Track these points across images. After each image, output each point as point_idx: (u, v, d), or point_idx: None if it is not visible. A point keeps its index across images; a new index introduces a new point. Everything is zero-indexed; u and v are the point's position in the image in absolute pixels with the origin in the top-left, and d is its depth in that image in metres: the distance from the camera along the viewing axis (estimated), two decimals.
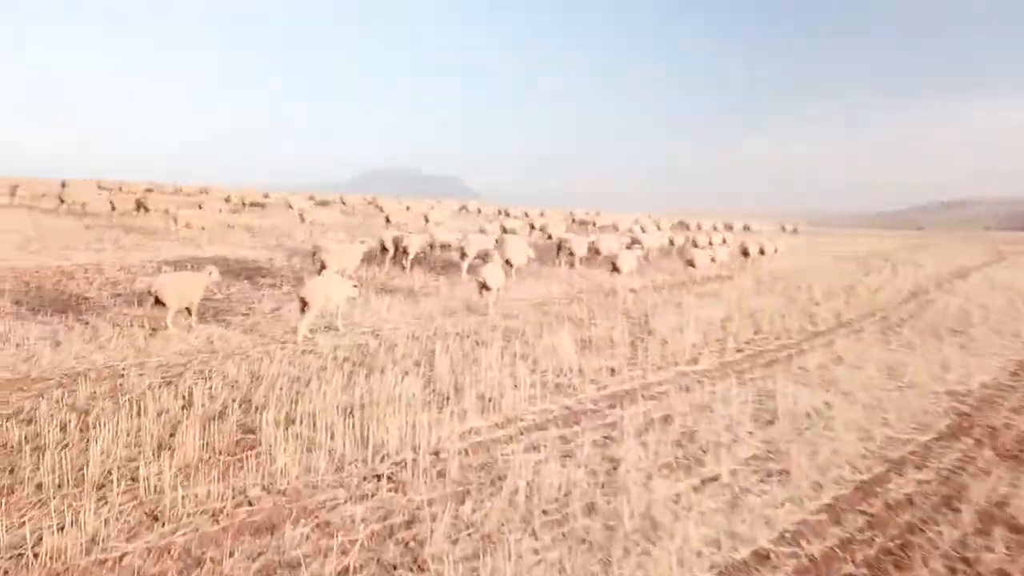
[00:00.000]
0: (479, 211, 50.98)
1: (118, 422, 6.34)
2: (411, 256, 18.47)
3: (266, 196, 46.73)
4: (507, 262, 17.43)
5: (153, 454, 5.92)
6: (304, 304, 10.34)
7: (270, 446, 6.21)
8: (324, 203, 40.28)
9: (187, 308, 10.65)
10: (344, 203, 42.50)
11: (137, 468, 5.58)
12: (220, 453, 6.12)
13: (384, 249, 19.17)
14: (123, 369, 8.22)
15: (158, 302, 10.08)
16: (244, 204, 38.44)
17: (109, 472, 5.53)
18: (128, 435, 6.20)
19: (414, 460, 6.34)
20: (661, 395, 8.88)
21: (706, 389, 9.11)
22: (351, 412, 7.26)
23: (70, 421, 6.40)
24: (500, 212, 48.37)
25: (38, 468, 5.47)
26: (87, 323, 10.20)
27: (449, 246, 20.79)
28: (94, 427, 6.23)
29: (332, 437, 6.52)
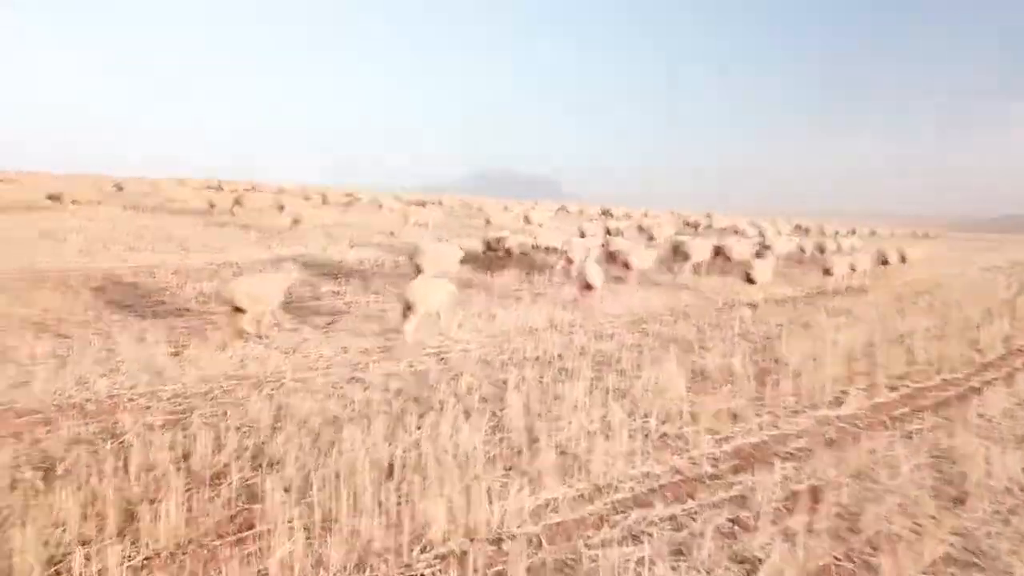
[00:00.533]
0: (580, 212, 48.84)
1: (82, 484, 4.80)
2: (513, 256, 17.95)
3: (347, 195, 46.34)
4: (625, 265, 16.09)
5: (112, 535, 4.32)
6: (408, 307, 9.65)
7: (273, 525, 4.51)
8: (421, 203, 39.48)
9: (265, 313, 9.68)
10: (441, 204, 41.64)
11: (72, 561, 3.98)
12: (206, 534, 4.44)
13: (489, 249, 18.44)
14: (129, 399, 6.78)
15: (237, 309, 9.07)
16: (350, 201, 38.12)
17: (39, 565, 3.96)
18: (91, 505, 4.62)
19: (465, 553, 4.50)
20: (802, 453, 6.68)
21: (861, 445, 6.82)
22: (390, 472, 5.49)
23: (21, 481, 4.91)
24: (603, 213, 46.20)
25: None
26: (119, 335, 8.95)
27: (551, 249, 19.52)
28: (44, 492, 4.69)
29: (358, 513, 4.75)
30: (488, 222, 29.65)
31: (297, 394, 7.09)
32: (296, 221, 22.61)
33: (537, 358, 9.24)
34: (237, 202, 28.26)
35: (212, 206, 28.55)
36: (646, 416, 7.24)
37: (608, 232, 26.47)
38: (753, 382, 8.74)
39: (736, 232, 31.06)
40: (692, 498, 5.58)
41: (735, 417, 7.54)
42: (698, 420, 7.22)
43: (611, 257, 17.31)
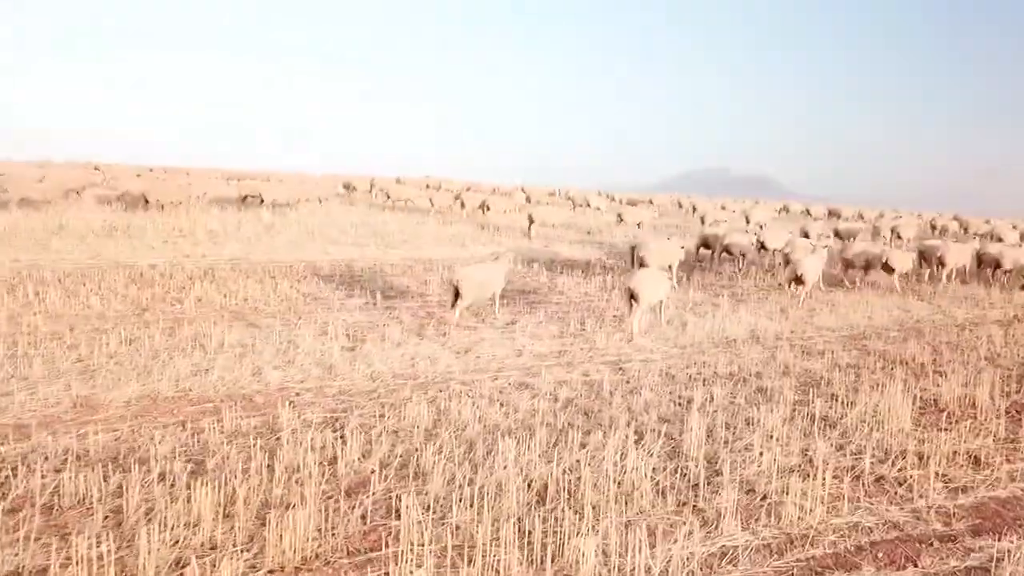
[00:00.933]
0: (806, 211, 44.77)
1: (224, 482, 4.82)
2: (738, 258, 17.30)
3: (550, 195, 46.14)
4: (886, 266, 14.99)
5: (241, 542, 4.27)
6: (633, 297, 9.79)
7: (408, 547, 4.27)
8: (633, 203, 38.70)
9: (490, 299, 10.70)
10: (652, 203, 40.33)
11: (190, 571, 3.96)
12: (335, 550, 4.26)
13: (703, 247, 17.98)
14: (296, 394, 7.05)
15: (458, 295, 9.84)
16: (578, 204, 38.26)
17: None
18: (229, 505, 4.62)
19: None
20: None
21: None
22: (542, 496, 5.09)
23: (170, 473, 5.05)
24: (830, 213, 42.08)
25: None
26: (304, 327, 9.47)
27: (777, 251, 17.95)
28: (187, 488, 4.71)
29: (499, 541, 4.37)
30: (703, 221, 28.22)
31: (460, 399, 6.95)
32: (532, 221, 23.58)
33: (731, 375, 8.33)
34: (473, 204, 29.26)
35: (432, 205, 29.91)
36: (858, 453, 6.13)
37: (838, 234, 23.85)
38: (1003, 419, 7.12)
39: (998, 238, 26.42)
40: (914, 563, 4.53)
41: (977, 462, 6.14)
42: (926, 463, 5.96)
43: (848, 264, 15.59)
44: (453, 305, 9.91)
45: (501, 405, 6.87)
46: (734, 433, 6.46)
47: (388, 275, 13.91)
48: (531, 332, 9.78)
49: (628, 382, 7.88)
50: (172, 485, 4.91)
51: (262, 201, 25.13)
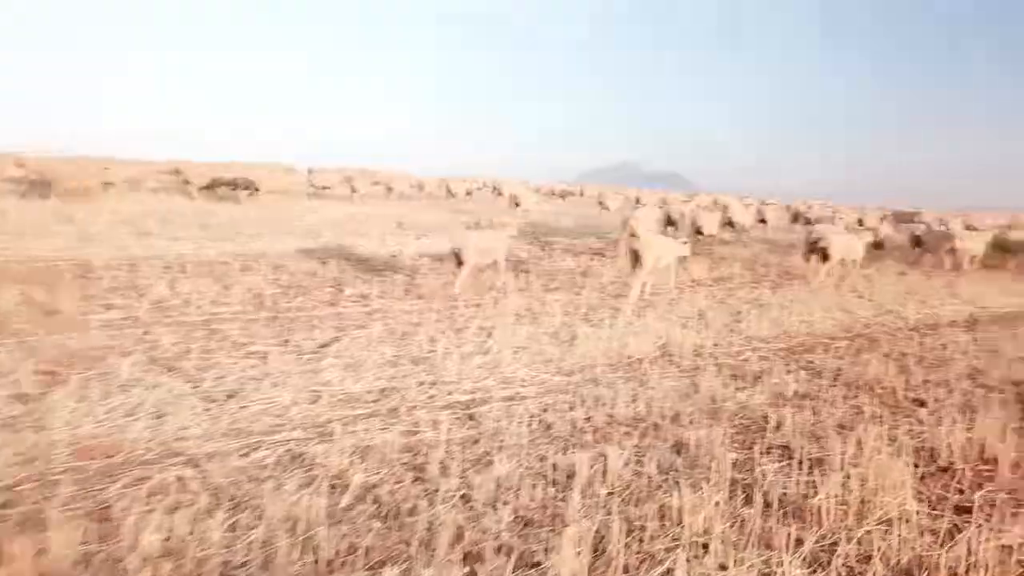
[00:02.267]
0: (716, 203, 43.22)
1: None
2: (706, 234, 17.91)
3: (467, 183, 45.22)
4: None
5: None
6: (636, 258, 9.95)
7: None
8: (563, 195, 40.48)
9: (492, 265, 10.74)
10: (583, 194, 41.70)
11: None
12: None
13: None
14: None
15: (461, 263, 10.02)
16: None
17: None
18: None
19: None
20: None
21: None
22: None
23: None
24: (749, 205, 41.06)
25: None
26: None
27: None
28: None
29: None
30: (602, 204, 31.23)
31: (152, 502, 3.87)
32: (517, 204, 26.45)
33: (635, 420, 5.50)
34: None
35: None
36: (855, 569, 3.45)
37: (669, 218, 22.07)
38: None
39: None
40: None
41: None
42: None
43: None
44: (456, 271, 10.09)
45: (231, 512, 3.79)
46: (641, 546, 3.65)
47: (183, 276, 10.41)
48: (351, 357, 6.70)
49: (477, 442, 4.91)
50: None
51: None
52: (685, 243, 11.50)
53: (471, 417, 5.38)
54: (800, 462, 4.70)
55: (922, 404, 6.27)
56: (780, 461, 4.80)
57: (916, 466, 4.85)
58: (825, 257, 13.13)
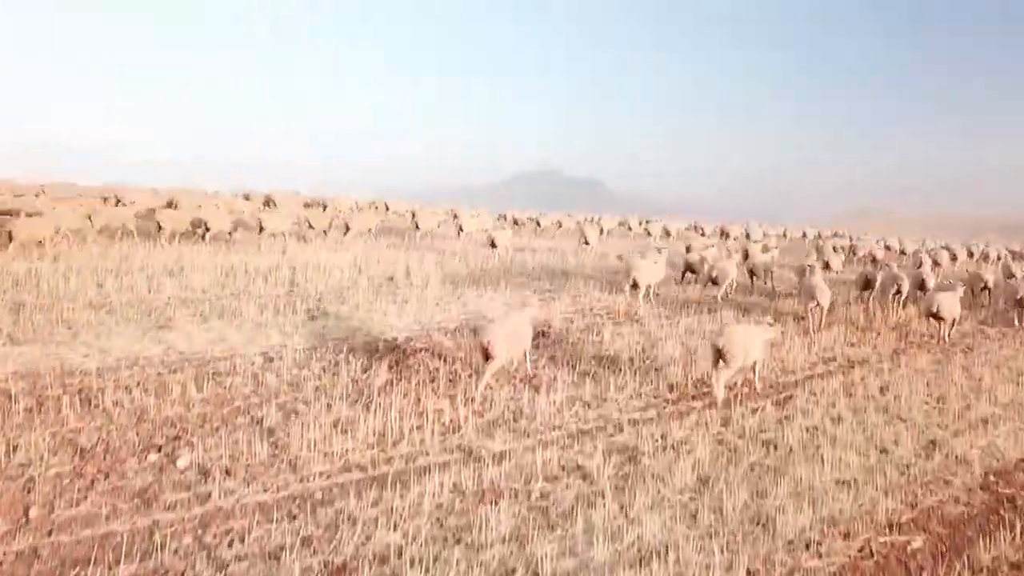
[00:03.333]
0: (655, 231, 34.87)
1: None
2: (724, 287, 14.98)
3: (383, 206, 35.78)
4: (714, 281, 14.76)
5: None
6: (721, 358, 7.86)
7: None
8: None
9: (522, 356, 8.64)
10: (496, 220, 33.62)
11: None
12: None
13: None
14: None
15: (489, 357, 7.63)
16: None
17: None
18: None
19: None
20: None
21: None
22: None
23: None
24: (696, 228, 37.58)
25: None
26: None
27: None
28: None
29: None
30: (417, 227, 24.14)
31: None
32: (462, 230, 24.35)
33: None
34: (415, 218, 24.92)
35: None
36: None
37: (689, 267, 17.36)
38: None
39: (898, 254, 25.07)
40: None
41: None
42: None
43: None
44: (484, 367, 7.80)
45: None
46: None
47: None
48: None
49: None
50: None
51: None
52: (771, 325, 9.34)
53: None
54: None
55: None
56: None
57: None
58: (939, 319, 11.57)
